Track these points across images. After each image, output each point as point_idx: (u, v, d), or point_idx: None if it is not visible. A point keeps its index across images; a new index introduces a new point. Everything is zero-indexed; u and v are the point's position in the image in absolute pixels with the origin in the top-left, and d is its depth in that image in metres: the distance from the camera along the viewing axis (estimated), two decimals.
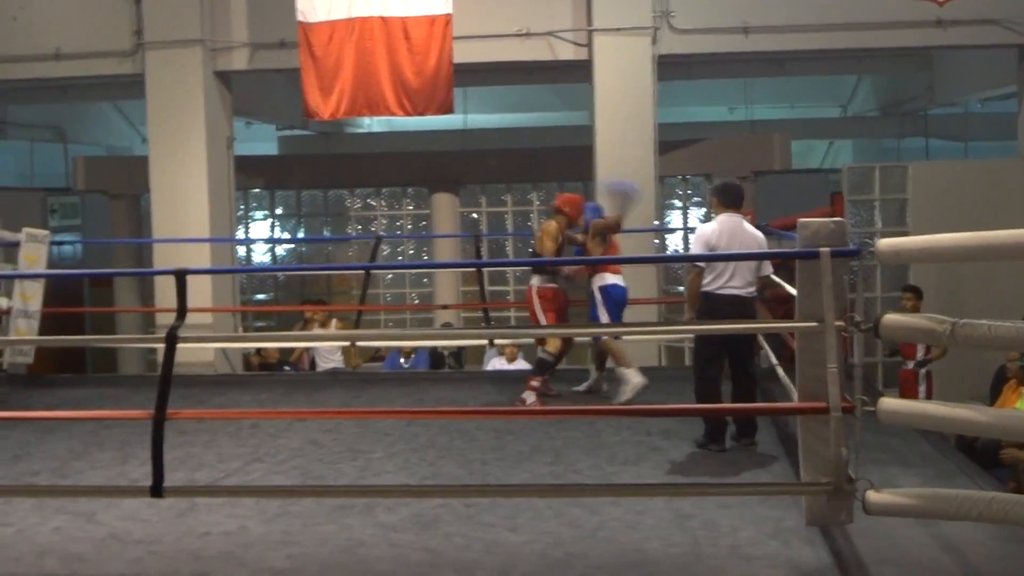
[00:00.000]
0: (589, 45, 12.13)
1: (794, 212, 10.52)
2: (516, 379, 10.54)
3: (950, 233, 4.68)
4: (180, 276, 5.54)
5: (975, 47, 13.05)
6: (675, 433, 7.78)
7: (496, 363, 11.93)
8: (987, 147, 19.07)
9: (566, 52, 12.27)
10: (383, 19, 11.54)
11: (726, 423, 7.48)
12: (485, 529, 5.79)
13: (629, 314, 9.56)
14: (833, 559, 5.21)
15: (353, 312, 13.00)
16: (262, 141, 19.99)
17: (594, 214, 9.31)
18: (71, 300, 15.15)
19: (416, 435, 8.03)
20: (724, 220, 7.59)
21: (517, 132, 19.72)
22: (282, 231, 18.22)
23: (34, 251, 10.76)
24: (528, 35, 12.15)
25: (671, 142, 14.21)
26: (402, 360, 12.92)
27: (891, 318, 4.73)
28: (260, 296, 17.91)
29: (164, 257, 12.35)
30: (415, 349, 12.88)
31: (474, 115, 19.71)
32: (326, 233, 17.95)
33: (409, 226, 17.61)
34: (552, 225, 9.29)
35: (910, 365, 10.77)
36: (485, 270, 12.92)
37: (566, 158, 15.86)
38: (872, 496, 4.71)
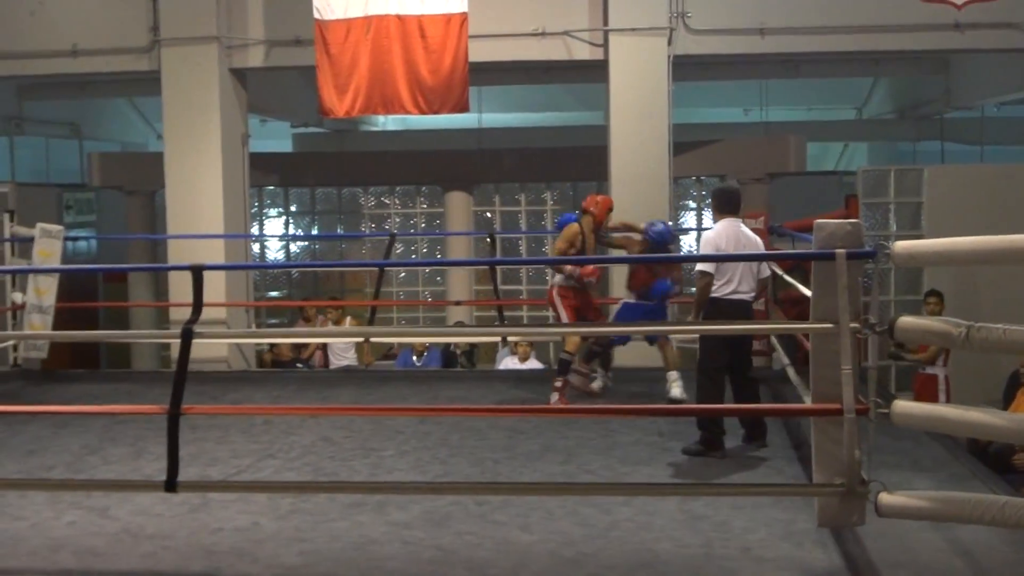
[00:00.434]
0: (605, 45, 12.11)
1: (808, 214, 10.51)
2: (528, 378, 10.57)
3: (965, 237, 4.67)
4: (196, 272, 5.56)
5: (992, 51, 12.99)
6: (687, 434, 7.77)
7: (508, 362, 11.93)
8: (1003, 151, 19.01)
9: (582, 52, 12.25)
10: (399, 17, 11.54)
11: (724, 429, 7.47)
12: (496, 527, 5.80)
13: None
14: (845, 562, 5.21)
15: (366, 310, 13.01)
16: (277, 138, 20.02)
17: (666, 232, 9.28)
18: (85, 295, 15.21)
19: (428, 433, 8.05)
20: (726, 225, 7.64)
21: (532, 132, 19.71)
22: (296, 229, 18.26)
23: (48, 246, 10.81)
24: (544, 34, 12.13)
25: (686, 143, 14.19)
26: (414, 358, 12.94)
27: (906, 320, 4.73)
28: (273, 293, 17.94)
29: (178, 253, 12.37)
30: (427, 348, 12.89)
31: (489, 114, 19.71)
32: (340, 231, 17.97)
33: (423, 225, 17.62)
34: (573, 227, 9.31)
35: (928, 369, 10.74)
36: (498, 269, 12.89)
37: (581, 158, 15.85)
38: (884, 498, 4.71)
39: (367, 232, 17.66)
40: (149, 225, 16.88)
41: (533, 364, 11.71)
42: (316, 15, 11.59)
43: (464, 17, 11.43)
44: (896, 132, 20.62)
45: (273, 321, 16.85)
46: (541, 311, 16.91)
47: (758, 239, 7.87)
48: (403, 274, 17.40)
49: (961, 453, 7.44)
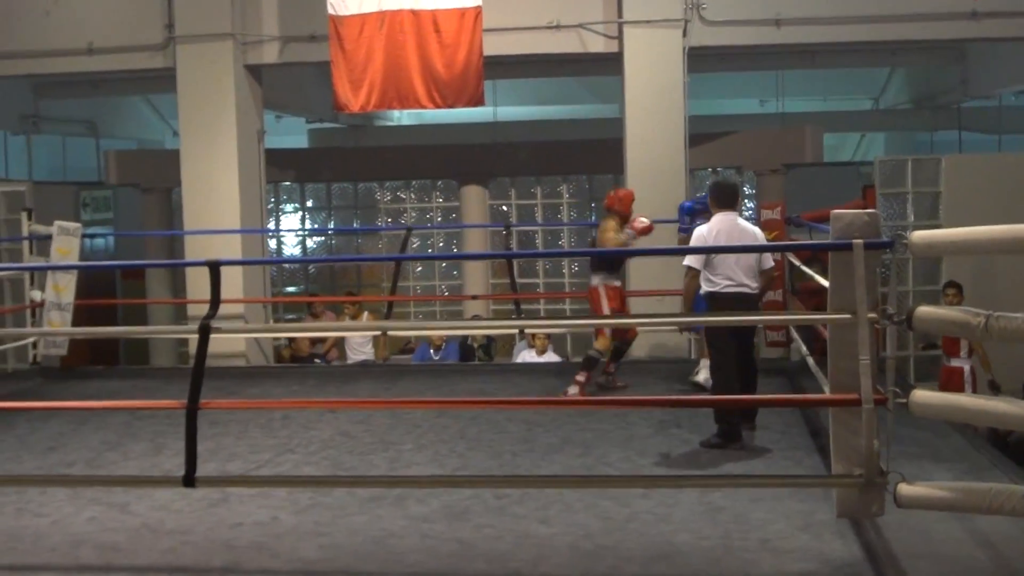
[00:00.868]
0: (619, 37, 12.09)
1: (825, 205, 10.46)
2: (546, 371, 10.57)
3: (984, 226, 4.65)
4: (214, 267, 5.56)
5: (1010, 39, 12.92)
6: (706, 426, 7.76)
7: (526, 356, 11.93)
8: (1021, 140, 18.92)
9: (596, 44, 12.23)
10: (413, 12, 11.53)
11: (740, 420, 7.49)
12: (516, 521, 5.80)
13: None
14: (864, 553, 5.19)
15: (383, 305, 13.03)
16: (292, 134, 20.06)
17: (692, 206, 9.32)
18: (103, 292, 15.28)
19: (446, 427, 8.06)
20: (720, 220, 7.67)
21: (547, 125, 19.70)
22: (312, 224, 18.29)
23: (66, 244, 10.85)
24: (558, 27, 12.11)
25: (702, 135, 14.16)
26: (432, 352, 12.95)
27: (924, 310, 4.71)
28: (291, 288, 17.99)
29: (195, 250, 12.40)
30: (445, 341, 12.91)
31: (504, 108, 19.71)
32: (356, 226, 18.00)
33: (439, 218, 17.64)
34: (610, 223, 9.30)
35: (952, 362, 10.68)
36: (515, 262, 12.89)
37: (596, 151, 15.83)
38: (904, 489, 4.69)
39: (383, 226, 17.68)
40: (166, 222, 16.94)
41: (551, 357, 11.70)
42: (330, 10, 11.60)
43: (478, 11, 11.41)
44: (913, 122, 20.53)
45: (291, 316, 16.90)
46: (558, 304, 16.96)
47: (756, 231, 7.86)
48: (420, 268, 17.44)
49: (981, 443, 7.40)
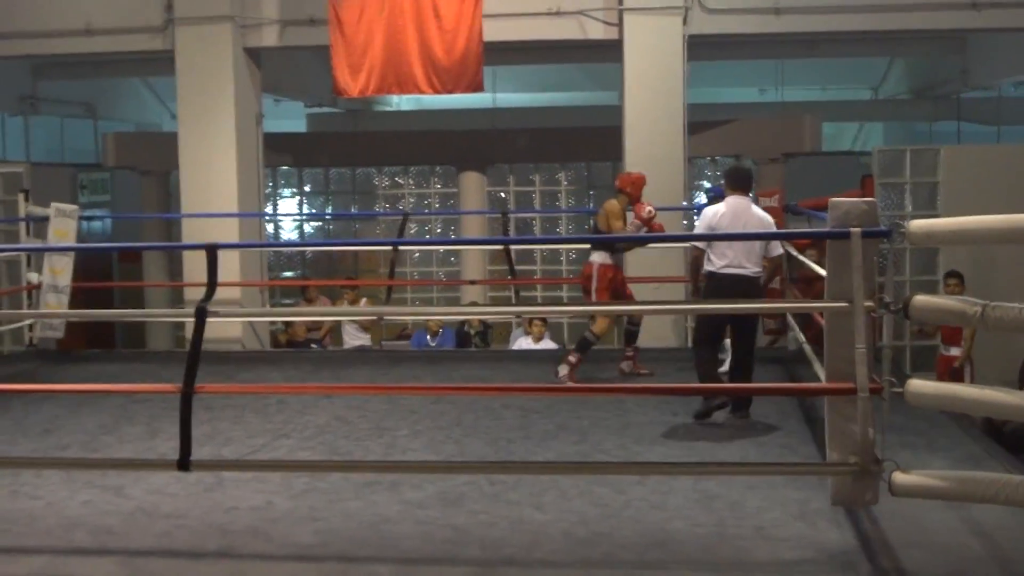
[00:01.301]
0: (620, 24, 12.07)
1: (824, 194, 10.45)
2: (542, 358, 10.56)
3: (981, 216, 4.64)
4: (211, 251, 5.54)
5: (1009, 30, 12.90)
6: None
7: (522, 342, 11.92)
8: (1020, 131, 18.90)
9: (596, 31, 12.21)
10: None
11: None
12: (510, 507, 5.80)
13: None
14: (859, 541, 5.20)
15: (381, 290, 13.02)
16: (291, 118, 20.02)
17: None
18: (100, 275, 15.26)
19: (442, 413, 8.05)
20: (730, 202, 7.81)
21: (546, 111, 19.66)
22: (310, 209, 18.27)
23: (63, 226, 10.83)
24: (558, 14, 12.09)
25: (701, 123, 14.15)
26: (428, 338, 12.95)
27: (921, 299, 4.70)
28: (288, 273, 17.97)
29: (192, 233, 12.39)
30: (442, 328, 12.90)
31: (503, 94, 19.67)
32: (354, 211, 17.98)
33: (436, 205, 17.61)
34: (614, 204, 9.30)
35: (950, 351, 10.68)
36: (512, 249, 12.88)
37: (595, 138, 15.80)
38: (898, 477, 4.70)
39: (381, 212, 17.66)
40: (163, 205, 16.91)
41: (547, 344, 11.70)
42: None
43: None
44: (912, 112, 20.52)
45: (287, 301, 16.88)
46: (555, 291, 16.95)
47: (764, 217, 7.91)
48: (417, 254, 17.41)
49: (976, 433, 7.41)
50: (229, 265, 11.70)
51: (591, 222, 9.95)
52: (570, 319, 15.21)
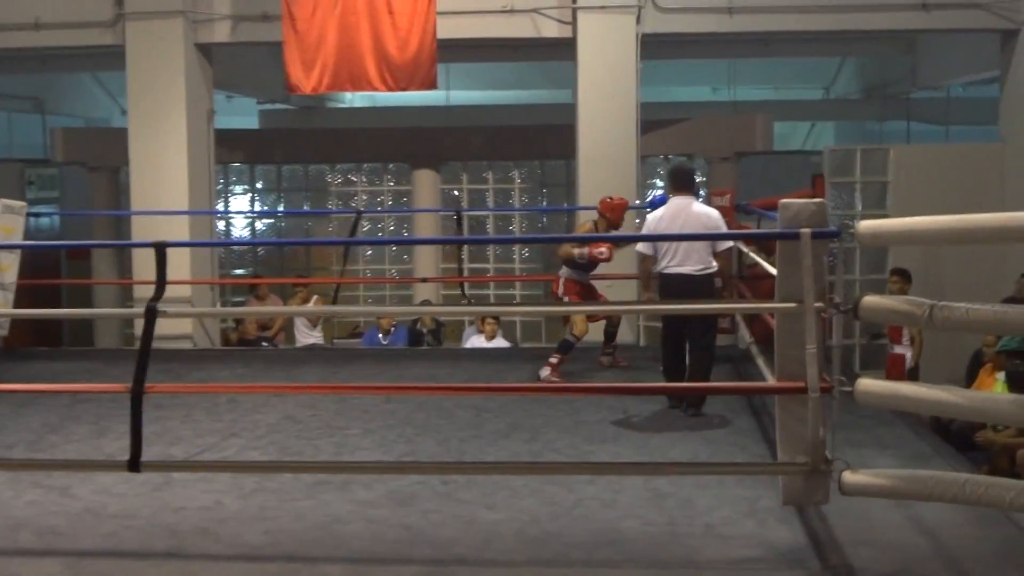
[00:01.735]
0: (573, 23, 12.08)
1: (776, 193, 10.52)
2: (495, 357, 10.57)
3: (929, 216, 4.68)
4: (160, 249, 5.46)
5: (959, 31, 13.06)
6: (655, 414, 7.80)
7: (475, 341, 11.93)
8: (968, 131, 19.08)
9: (550, 30, 12.22)
10: None
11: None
12: (462, 506, 5.79)
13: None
14: (808, 539, 5.24)
15: (331, 288, 12.97)
16: (243, 115, 19.84)
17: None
18: (48, 272, 15.07)
19: (394, 412, 8.03)
20: (671, 203, 8.03)
21: (500, 109, 19.64)
22: (262, 206, 18.14)
23: (10, 222, 10.66)
24: (512, 12, 12.09)
25: (654, 121, 14.18)
26: (380, 336, 12.91)
27: (871, 300, 4.74)
28: (239, 271, 17.83)
29: (142, 230, 12.27)
30: (394, 326, 12.86)
31: (457, 92, 19.64)
32: (306, 208, 17.88)
33: (389, 202, 17.53)
34: (588, 225, 9.61)
35: (896, 349, 10.78)
36: (465, 247, 12.87)
37: (549, 136, 15.80)
38: (848, 477, 4.73)
39: (334, 209, 17.57)
40: (113, 201, 16.70)
41: (500, 343, 11.71)
42: None
43: None
44: (863, 112, 20.70)
45: (238, 299, 16.75)
46: (508, 289, 16.94)
47: (705, 213, 8.03)
48: (370, 252, 17.34)
49: (924, 432, 7.50)
50: (179, 262, 11.59)
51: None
52: (523, 318, 15.22)
